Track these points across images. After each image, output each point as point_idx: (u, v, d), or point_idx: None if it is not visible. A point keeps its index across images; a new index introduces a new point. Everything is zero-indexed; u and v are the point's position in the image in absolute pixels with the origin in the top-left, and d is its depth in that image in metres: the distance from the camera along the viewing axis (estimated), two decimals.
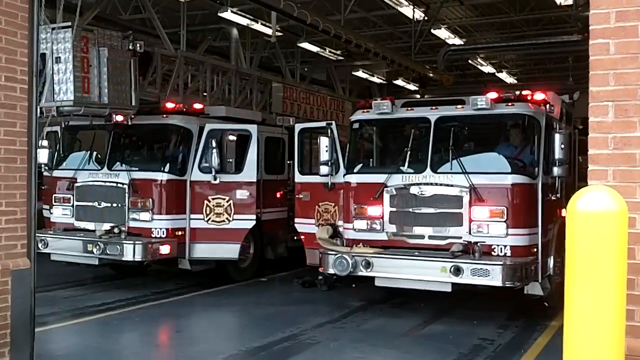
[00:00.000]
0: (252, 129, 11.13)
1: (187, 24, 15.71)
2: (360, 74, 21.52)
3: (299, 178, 10.68)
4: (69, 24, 9.71)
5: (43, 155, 11.49)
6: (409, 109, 9.42)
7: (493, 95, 8.89)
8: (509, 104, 8.87)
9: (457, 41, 20.31)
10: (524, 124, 8.94)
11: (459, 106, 9.09)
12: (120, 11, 18.85)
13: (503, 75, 26.34)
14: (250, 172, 10.96)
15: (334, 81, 20.68)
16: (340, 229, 9.54)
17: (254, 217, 11.00)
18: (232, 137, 10.80)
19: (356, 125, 9.77)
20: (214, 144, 10.43)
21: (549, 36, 19.57)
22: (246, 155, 10.91)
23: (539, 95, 9.10)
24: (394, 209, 8.90)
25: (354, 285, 9.72)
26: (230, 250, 10.85)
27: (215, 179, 10.60)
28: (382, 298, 10.22)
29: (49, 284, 11.14)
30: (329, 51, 19.68)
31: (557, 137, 8.52)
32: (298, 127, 10.91)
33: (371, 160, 10.30)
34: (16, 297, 5.97)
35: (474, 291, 8.98)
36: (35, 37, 6.34)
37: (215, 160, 10.38)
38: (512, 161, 8.77)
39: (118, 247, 9.96)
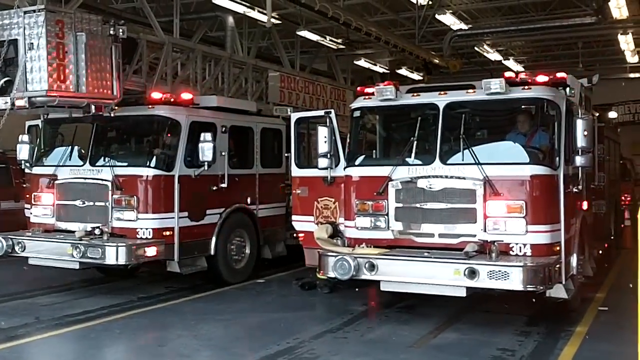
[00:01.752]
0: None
1: (181, 12, 14.88)
2: (362, 63, 20.71)
3: (296, 172, 9.84)
4: (42, 6, 8.88)
5: (23, 151, 10.77)
6: (415, 94, 8.58)
7: (508, 77, 8.06)
8: (526, 87, 8.02)
9: (463, 27, 19.43)
10: (543, 109, 8.07)
11: (470, 91, 8.26)
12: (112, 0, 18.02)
13: (510, 63, 25.43)
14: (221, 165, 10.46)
15: (335, 71, 19.85)
16: (341, 227, 8.73)
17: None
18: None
19: (357, 114, 8.91)
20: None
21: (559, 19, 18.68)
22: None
23: (558, 78, 8.26)
24: (400, 205, 8.10)
25: (357, 290, 8.89)
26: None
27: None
28: (387, 301, 9.40)
29: (29, 289, 10.43)
30: (330, 39, 18.81)
31: (579, 123, 7.74)
32: (294, 116, 10.07)
33: (374, 151, 9.44)
34: None
35: (489, 293, 8.13)
36: None
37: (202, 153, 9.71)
38: (530, 150, 7.92)
39: (99, 249, 9.14)
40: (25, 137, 10.94)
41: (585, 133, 7.71)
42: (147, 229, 9.57)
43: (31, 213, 10.75)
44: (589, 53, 25.07)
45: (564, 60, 25.90)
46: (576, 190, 8.31)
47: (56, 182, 10.29)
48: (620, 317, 8.69)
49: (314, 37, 18.04)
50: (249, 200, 11.36)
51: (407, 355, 6.99)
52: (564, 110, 7.96)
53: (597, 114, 11.05)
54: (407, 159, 8.27)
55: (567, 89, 8.22)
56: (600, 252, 10.88)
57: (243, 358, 6.80)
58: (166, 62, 11.51)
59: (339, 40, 18.73)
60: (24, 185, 12.30)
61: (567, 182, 7.92)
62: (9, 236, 9.90)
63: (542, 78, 8.12)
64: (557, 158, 7.81)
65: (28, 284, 10.67)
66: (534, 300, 8.07)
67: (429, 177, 7.93)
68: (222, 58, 13.03)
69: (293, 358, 6.87)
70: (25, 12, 8.91)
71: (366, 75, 22.29)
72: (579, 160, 7.80)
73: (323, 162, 8.88)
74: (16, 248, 9.83)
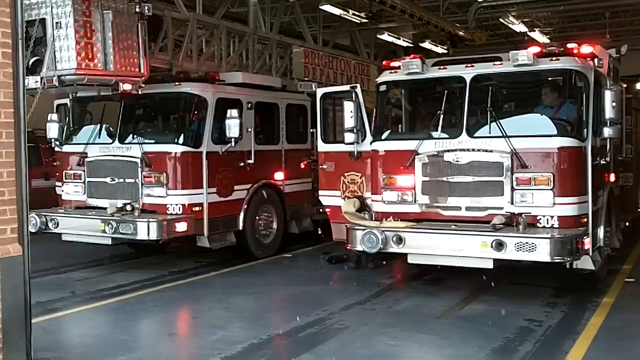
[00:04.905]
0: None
1: None
2: (385, 37, 20.51)
3: (322, 147, 9.89)
4: None
5: (53, 130, 10.95)
6: (441, 67, 8.55)
7: (535, 49, 8.00)
8: (553, 58, 7.95)
9: None
10: (571, 80, 8.00)
11: (497, 63, 8.22)
12: None
13: (536, 35, 25.01)
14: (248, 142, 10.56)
15: (358, 45, 19.75)
16: (368, 202, 8.79)
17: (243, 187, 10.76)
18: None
19: (383, 88, 8.92)
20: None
21: None
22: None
23: (586, 49, 8.17)
24: (427, 179, 8.12)
25: (384, 263, 8.99)
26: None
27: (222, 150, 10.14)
28: (414, 274, 9.50)
29: (63, 265, 10.69)
30: (353, 14, 18.68)
31: (607, 94, 7.68)
32: (320, 91, 10.10)
33: (400, 125, 9.45)
34: (7, 288, 5.32)
35: (515, 265, 8.18)
36: None
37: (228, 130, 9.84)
38: (557, 122, 7.87)
39: (131, 225, 9.33)
40: (54, 116, 11.11)
41: (614, 104, 7.65)
42: (176, 204, 9.73)
43: (62, 190, 10.96)
44: (616, 23, 24.56)
45: (591, 31, 25.42)
46: (604, 162, 8.25)
47: (86, 159, 10.46)
48: None
49: (336, 11, 17.91)
50: (275, 176, 11.48)
51: (435, 326, 7.09)
52: (592, 81, 7.88)
53: (625, 85, 10.92)
54: (433, 133, 8.27)
55: (596, 60, 8.14)
56: (627, 224, 10.83)
57: (274, 329, 6.95)
58: (191, 38, 11.57)
59: (362, 14, 18.61)
60: (55, 164, 12.53)
61: (594, 154, 7.86)
62: (43, 213, 10.13)
63: (586, 49, 8.03)
64: (585, 130, 7.76)
65: (61, 260, 10.93)
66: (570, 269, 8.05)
67: (455, 150, 7.93)
68: (246, 34, 13.05)
69: (323, 329, 7.02)
70: None
71: (389, 50, 22.13)
72: (606, 131, 7.75)
73: (349, 137, 8.91)
74: (49, 225, 10.06)
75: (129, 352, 6.31)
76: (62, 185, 10.96)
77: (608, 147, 8.26)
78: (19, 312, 5.47)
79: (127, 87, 9.38)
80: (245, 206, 10.69)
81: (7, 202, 5.43)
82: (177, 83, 10.23)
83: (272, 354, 6.21)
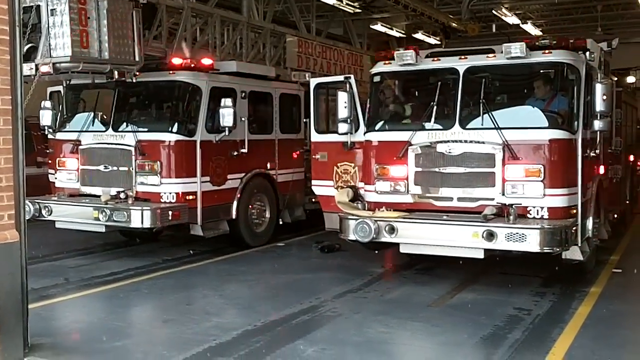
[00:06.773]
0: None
1: None
2: (378, 27, 20.53)
3: (315, 137, 9.95)
4: None
5: (46, 117, 10.93)
6: (435, 59, 8.63)
7: (527, 42, 8.09)
8: (546, 51, 8.04)
9: None
10: (563, 73, 8.11)
11: (490, 55, 8.30)
12: None
13: (528, 27, 25.15)
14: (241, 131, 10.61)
15: (352, 35, 19.76)
16: (361, 192, 8.86)
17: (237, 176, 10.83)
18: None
19: (377, 79, 9.00)
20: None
21: None
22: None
23: (578, 42, 8.27)
24: (420, 169, 8.20)
25: (376, 252, 9.08)
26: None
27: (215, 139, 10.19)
28: (406, 263, 9.60)
29: (56, 252, 10.71)
30: (346, 3, 18.68)
31: (598, 87, 7.78)
32: (313, 81, 10.14)
33: (394, 116, 9.53)
34: (4, 274, 5.39)
35: (505, 255, 8.29)
36: None
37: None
38: (549, 114, 7.97)
39: (125, 213, 9.37)
40: (48, 103, 11.09)
41: (604, 97, 7.75)
42: (170, 193, 9.78)
43: (56, 178, 10.96)
44: (608, 17, 24.68)
45: (583, 24, 25.56)
46: (593, 154, 8.38)
47: (80, 147, 10.46)
48: (634, 279, 8.91)
49: (330, 0, 17.93)
50: (268, 165, 11.54)
51: (426, 314, 7.20)
52: (584, 74, 7.99)
53: (616, 79, 11.03)
54: (426, 124, 8.34)
55: (587, 53, 8.25)
56: (616, 216, 10.98)
57: (268, 316, 7.03)
58: (185, 27, 11.60)
59: (356, 4, 18.62)
60: (47, 151, 12.51)
61: (585, 146, 7.98)
62: (36, 200, 10.14)
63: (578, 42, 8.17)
64: (576, 122, 7.87)
65: (54, 247, 10.94)
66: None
67: (448, 141, 8.01)
68: (240, 23, 13.08)
69: (316, 316, 7.12)
70: None
71: (382, 40, 22.18)
72: (597, 124, 7.85)
73: (343, 127, 8.97)
74: (43, 212, 10.08)
75: (124, 338, 6.39)
76: (55, 172, 10.96)
77: (598, 139, 8.38)
78: (15, 298, 5.53)
79: (121, 75, 9.41)
80: (239, 195, 10.76)
81: (4, 188, 5.48)
82: (171, 71, 10.24)
83: (266, 340, 6.29)
